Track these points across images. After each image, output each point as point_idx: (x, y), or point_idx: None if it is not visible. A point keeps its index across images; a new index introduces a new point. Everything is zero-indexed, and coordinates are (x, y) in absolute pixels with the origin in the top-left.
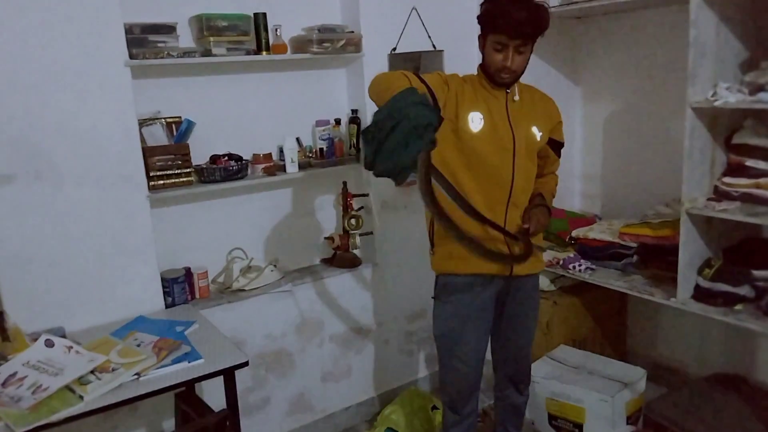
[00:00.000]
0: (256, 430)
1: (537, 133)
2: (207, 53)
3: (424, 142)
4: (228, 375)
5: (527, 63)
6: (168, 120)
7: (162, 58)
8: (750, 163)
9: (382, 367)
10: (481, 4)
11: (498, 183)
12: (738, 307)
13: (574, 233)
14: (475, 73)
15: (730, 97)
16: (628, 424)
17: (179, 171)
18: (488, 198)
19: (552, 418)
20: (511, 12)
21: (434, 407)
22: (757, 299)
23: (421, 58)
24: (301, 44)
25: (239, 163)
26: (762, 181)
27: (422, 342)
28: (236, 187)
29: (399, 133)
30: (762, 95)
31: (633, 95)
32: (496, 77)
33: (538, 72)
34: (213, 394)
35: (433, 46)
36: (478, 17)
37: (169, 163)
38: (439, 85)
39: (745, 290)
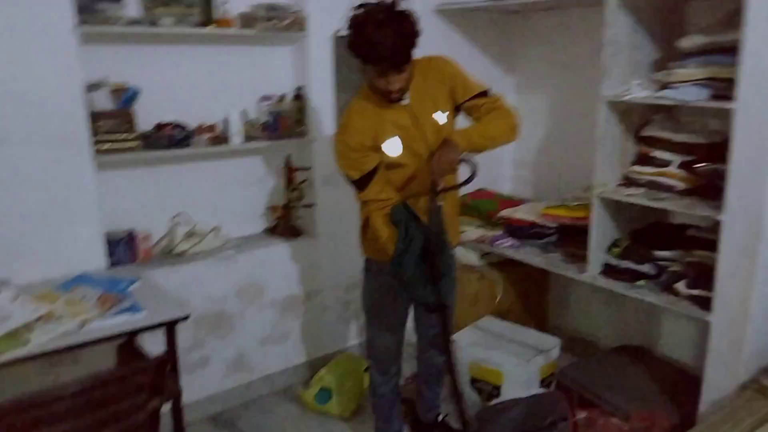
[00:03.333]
0: (197, 386)
1: (441, 116)
2: (154, 23)
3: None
4: (169, 328)
5: (411, 74)
6: (114, 87)
7: (109, 25)
8: (656, 153)
9: (318, 332)
10: (348, 27)
11: (419, 184)
12: (640, 282)
13: (502, 213)
14: (366, 85)
15: (640, 92)
16: (541, 386)
17: (124, 136)
18: (410, 196)
19: (474, 381)
20: (378, 45)
21: (366, 369)
22: (657, 276)
23: None
24: (247, 20)
25: (184, 131)
26: (666, 170)
27: (358, 310)
28: (181, 155)
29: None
30: (666, 92)
31: (559, 87)
32: (385, 98)
33: (475, 61)
34: (154, 349)
35: None
36: (347, 44)
37: (114, 127)
38: (366, 156)
39: (647, 268)
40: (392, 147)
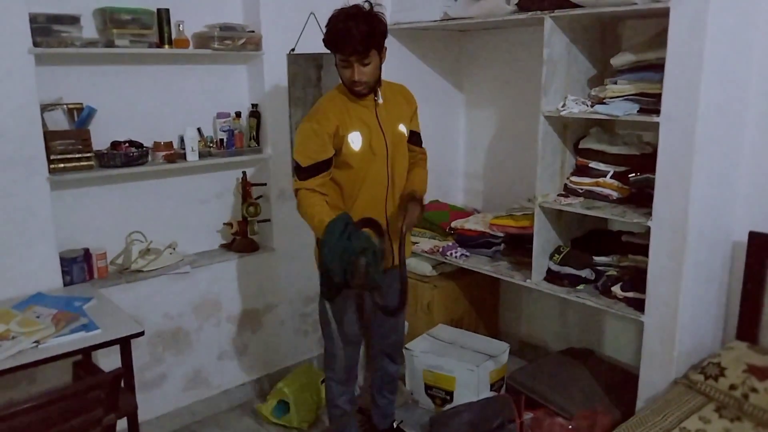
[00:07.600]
0: (153, 405)
1: (404, 129)
2: (110, 44)
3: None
4: (123, 344)
5: (379, 70)
6: (70, 106)
7: (65, 47)
8: (593, 165)
9: (276, 346)
10: (325, 26)
11: (376, 184)
12: (580, 287)
13: (453, 224)
14: (340, 82)
15: (575, 108)
16: (491, 390)
17: (80, 155)
18: (369, 199)
19: (428, 388)
20: (342, 31)
21: (323, 381)
22: (595, 281)
23: (323, 59)
24: (203, 40)
25: (140, 149)
26: (601, 180)
27: (315, 323)
28: (137, 173)
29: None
30: (598, 107)
31: (505, 103)
32: (352, 90)
33: (426, 78)
34: (110, 367)
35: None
36: (323, 41)
37: (70, 147)
38: (323, 146)
39: (586, 273)
40: (355, 140)
